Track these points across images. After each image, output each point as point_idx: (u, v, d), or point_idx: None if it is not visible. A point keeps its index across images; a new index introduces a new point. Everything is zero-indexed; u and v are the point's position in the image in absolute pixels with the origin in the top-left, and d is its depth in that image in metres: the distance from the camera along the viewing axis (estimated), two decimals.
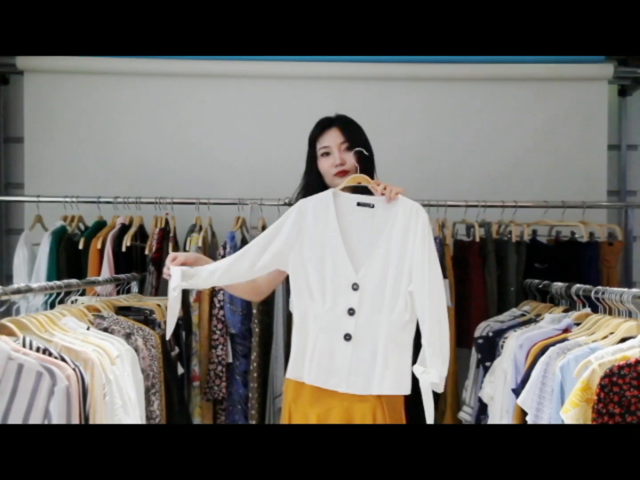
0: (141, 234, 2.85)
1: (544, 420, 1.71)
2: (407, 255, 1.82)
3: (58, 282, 2.03)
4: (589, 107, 3.26)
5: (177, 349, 2.35)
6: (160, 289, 2.68)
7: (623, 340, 1.67)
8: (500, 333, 2.22)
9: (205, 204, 2.78)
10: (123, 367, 1.78)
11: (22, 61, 3.18)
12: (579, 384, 1.51)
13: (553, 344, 1.82)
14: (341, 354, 1.81)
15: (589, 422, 1.46)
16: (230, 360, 2.63)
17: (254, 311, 2.61)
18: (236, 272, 1.85)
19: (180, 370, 2.38)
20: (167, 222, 2.78)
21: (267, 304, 2.70)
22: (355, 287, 1.82)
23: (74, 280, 2.11)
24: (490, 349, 2.22)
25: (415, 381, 1.79)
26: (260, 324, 2.63)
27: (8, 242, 3.33)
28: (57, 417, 1.40)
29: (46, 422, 1.40)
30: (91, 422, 1.55)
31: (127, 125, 3.26)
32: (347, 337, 1.81)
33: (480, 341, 2.29)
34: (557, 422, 1.60)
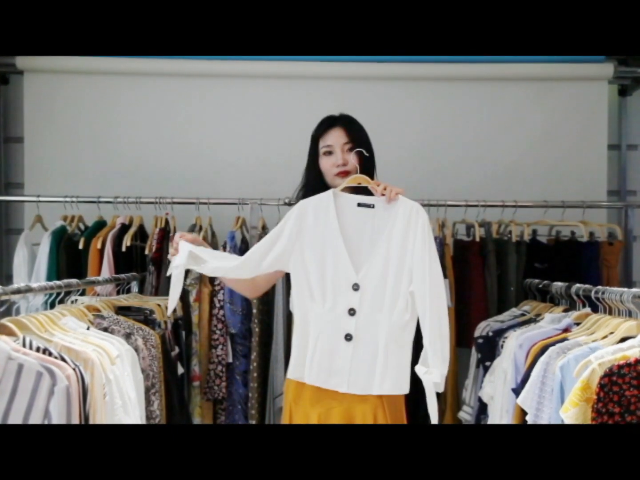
0: (141, 234, 2.85)
1: (544, 419, 1.71)
2: (408, 256, 1.82)
3: (58, 282, 2.03)
4: (589, 106, 3.26)
5: (177, 349, 2.35)
6: (160, 289, 2.68)
7: (623, 340, 1.67)
8: (500, 333, 2.22)
9: (205, 203, 2.78)
10: (123, 367, 1.78)
11: (22, 61, 3.18)
12: (578, 383, 1.51)
13: (553, 344, 1.82)
14: (342, 354, 1.81)
15: (589, 422, 1.46)
16: (230, 360, 2.63)
17: (254, 311, 2.61)
18: (239, 274, 1.86)
19: (180, 370, 2.38)
20: (167, 222, 2.78)
21: (267, 303, 2.70)
22: (355, 287, 1.82)
23: (74, 280, 2.11)
24: (490, 349, 2.22)
25: (414, 381, 1.79)
26: (260, 323, 2.63)
27: (8, 242, 3.33)
28: (57, 417, 1.40)
29: (46, 422, 1.40)
30: (91, 422, 1.55)
31: (127, 125, 3.26)
32: (348, 337, 1.81)
33: (480, 341, 2.29)
34: (557, 422, 1.60)
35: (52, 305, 2.10)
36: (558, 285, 2.22)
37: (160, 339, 2.09)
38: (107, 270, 2.66)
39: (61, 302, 2.13)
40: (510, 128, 3.26)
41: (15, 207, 3.34)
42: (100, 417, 1.60)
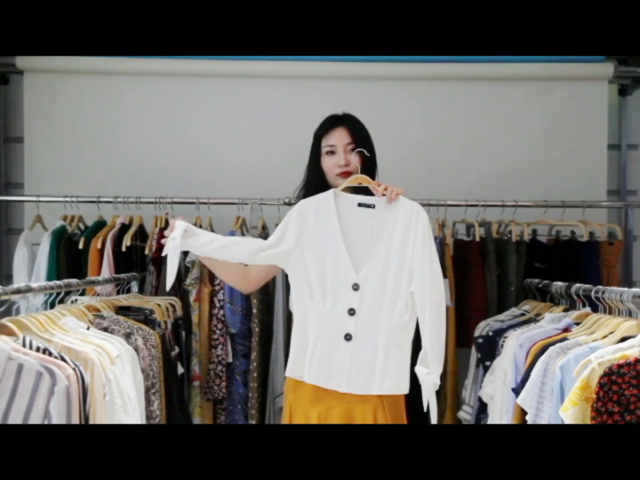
0: (141, 234, 2.85)
1: (544, 419, 1.71)
2: (408, 256, 1.82)
3: (58, 282, 2.03)
4: (589, 106, 3.26)
5: (177, 349, 2.35)
6: (160, 288, 2.68)
7: (623, 339, 1.67)
8: (500, 332, 2.22)
9: (205, 203, 2.78)
10: (123, 367, 1.78)
11: (22, 61, 3.18)
12: (578, 382, 1.51)
13: (553, 344, 1.82)
14: (341, 353, 1.81)
15: (588, 421, 1.46)
16: (230, 360, 2.63)
17: (254, 311, 2.61)
18: (233, 253, 1.84)
19: (180, 370, 2.38)
20: (167, 221, 2.77)
21: (267, 303, 2.70)
22: (355, 287, 1.82)
23: (73, 280, 2.11)
24: (490, 349, 2.22)
25: (415, 381, 1.79)
26: (260, 323, 2.63)
27: (8, 242, 3.33)
28: (57, 417, 1.40)
29: (46, 422, 1.40)
30: (91, 422, 1.55)
31: (127, 125, 3.26)
32: (348, 337, 1.81)
33: (480, 340, 2.29)
34: (557, 422, 1.60)
35: (52, 305, 2.10)
36: (558, 285, 2.22)
37: (160, 339, 2.09)
38: (107, 270, 2.66)
39: (61, 302, 2.14)
40: (510, 128, 3.26)
41: (15, 207, 3.34)
42: (100, 417, 1.60)
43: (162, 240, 1.87)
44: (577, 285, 2.09)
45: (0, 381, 1.41)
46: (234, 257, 1.84)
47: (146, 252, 2.73)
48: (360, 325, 1.82)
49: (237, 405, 2.63)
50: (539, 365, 1.78)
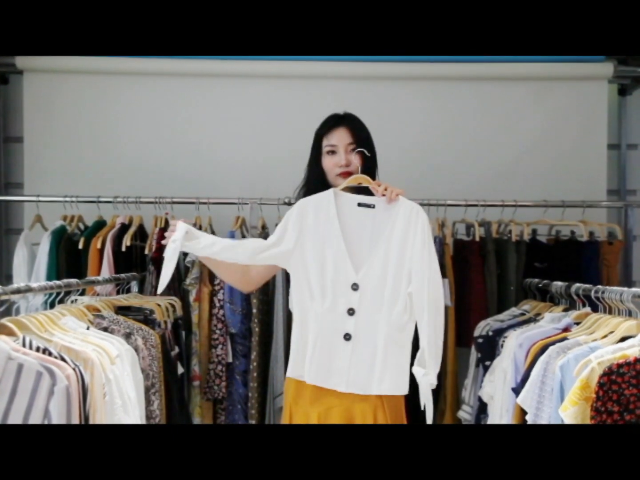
0: (141, 234, 2.85)
1: (544, 419, 1.71)
2: (407, 257, 1.82)
3: (58, 282, 2.03)
4: (589, 106, 3.26)
5: (177, 349, 2.35)
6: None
7: (623, 339, 1.67)
8: (500, 332, 2.22)
9: (205, 203, 2.78)
10: (123, 367, 1.78)
11: (21, 61, 3.18)
12: (578, 382, 1.52)
13: (553, 343, 1.82)
14: (341, 353, 1.81)
15: (588, 421, 1.46)
16: (230, 359, 2.63)
17: (254, 311, 2.61)
18: (235, 255, 1.83)
19: (180, 369, 2.38)
20: (166, 221, 2.77)
21: (267, 303, 2.70)
22: (355, 287, 1.82)
23: (73, 280, 2.11)
24: (490, 348, 2.22)
25: (413, 381, 1.79)
26: (260, 323, 2.63)
27: (8, 242, 3.33)
28: (57, 417, 1.40)
29: (46, 422, 1.40)
30: (91, 422, 1.55)
31: (127, 124, 3.26)
32: (347, 336, 1.81)
33: (480, 340, 2.29)
34: (557, 421, 1.60)
35: (52, 305, 2.10)
36: (558, 284, 2.22)
37: (160, 339, 2.09)
38: (106, 270, 2.66)
39: (61, 302, 2.14)
40: (510, 128, 3.26)
41: (15, 207, 3.34)
42: (100, 417, 1.60)
43: (163, 241, 1.87)
44: (577, 285, 2.09)
45: (0, 381, 1.41)
46: (236, 258, 1.84)
47: (146, 252, 2.73)
48: (360, 325, 1.82)
49: (237, 405, 2.63)
50: (538, 365, 1.78)
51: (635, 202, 3.23)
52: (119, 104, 3.25)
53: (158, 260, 2.69)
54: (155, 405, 2.00)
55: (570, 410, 1.50)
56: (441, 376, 2.62)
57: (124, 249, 2.68)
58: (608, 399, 1.44)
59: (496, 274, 2.70)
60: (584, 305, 2.08)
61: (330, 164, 1.99)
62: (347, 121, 2.01)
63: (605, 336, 1.76)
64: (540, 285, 2.40)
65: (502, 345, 2.13)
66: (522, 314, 2.35)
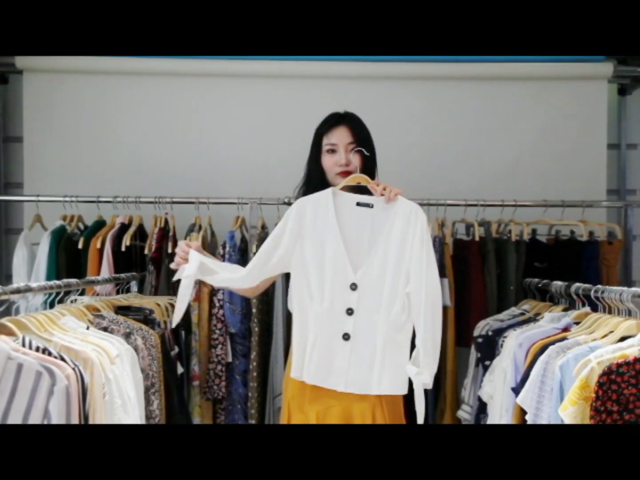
0: (141, 234, 2.85)
1: (544, 419, 1.71)
2: (406, 257, 1.82)
3: (57, 282, 2.03)
4: (589, 106, 3.26)
5: (176, 349, 2.35)
6: (160, 288, 2.68)
7: (623, 339, 1.68)
8: (499, 332, 2.22)
9: (204, 203, 2.78)
10: (122, 367, 1.78)
11: (21, 60, 3.18)
12: (577, 382, 1.52)
13: (552, 343, 1.82)
14: (340, 353, 1.81)
15: (587, 420, 1.46)
16: (229, 359, 2.63)
17: (254, 310, 2.61)
18: (247, 282, 1.85)
19: (180, 369, 2.38)
20: (166, 221, 2.78)
21: (267, 303, 2.70)
22: (353, 287, 1.82)
23: (73, 280, 2.11)
24: (489, 348, 2.22)
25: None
26: (260, 323, 2.63)
27: (7, 241, 3.33)
28: (57, 417, 1.40)
29: (46, 422, 1.40)
30: (91, 421, 1.55)
31: (127, 124, 3.25)
32: (346, 336, 1.82)
33: (479, 340, 2.29)
34: (557, 421, 1.60)
35: (52, 305, 2.09)
36: (557, 284, 2.22)
37: (160, 339, 2.09)
38: (106, 270, 2.66)
39: (61, 301, 2.13)
40: (510, 127, 3.26)
41: (15, 207, 3.34)
42: (99, 416, 1.60)
43: (172, 265, 1.88)
44: (577, 284, 2.09)
45: (0, 381, 1.41)
46: (250, 284, 1.86)
47: (146, 251, 2.73)
48: (359, 325, 1.82)
49: (237, 404, 2.63)
50: (538, 365, 1.78)
51: (635, 202, 3.23)
52: (119, 104, 3.25)
53: (158, 260, 2.70)
54: (155, 405, 2.00)
55: (569, 410, 1.50)
56: (441, 376, 2.62)
57: (123, 248, 2.68)
58: (607, 398, 1.44)
59: (496, 274, 2.70)
60: (583, 305, 2.08)
61: (330, 163, 1.99)
62: (347, 120, 2.01)
63: (604, 336, 1.76)
64: (540, 285, 2.40)
65: (501, 345, 2.13)
66: (522, 314, 2.35)
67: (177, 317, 1.81)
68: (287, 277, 1.91)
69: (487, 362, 2.22)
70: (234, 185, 3.04)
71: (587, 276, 2.61)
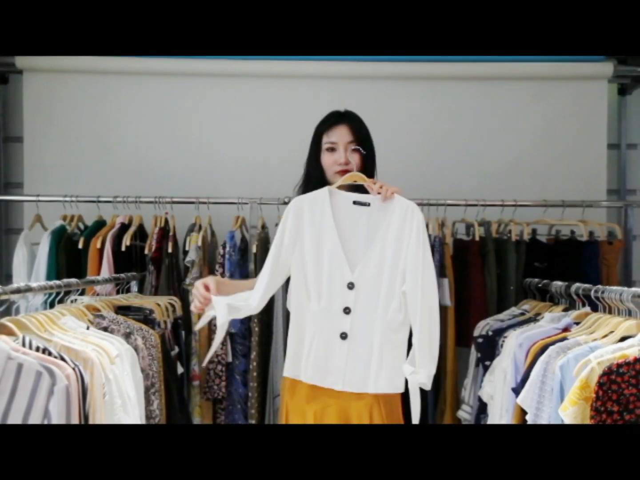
0: (141, 234, 2.85)
1: (544, 419, 1.71)
2: (402, 255, 1.82)
3: (57, 282, 2.03)
4: (589, 105, 3.26)
5: (176, 349, 2.35)
6: (160, 288, 2.68)
7: (623, 339, 1.68)
8: (499, 332, 2.22)
9: (204, 203, 2.78)
10: (123, 367, 1.78)
11: (21, 60, 3.18)
12: (577, 382, 1.52)
13: (553, 343, 1.82)
14: (337, 352, 1.82)
15: (588, 420, 1.46)
16: (229, 359, 2.63)
17: None
18: (268, 297, 1.86)
19: (180, 369, 2.38)
20: (166, 221, 2.78)
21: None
22: (350, 286, 1.82)
23: (73, 280, 2.12)
24: (489, 348, 2.22)
25: None
26: (260, 323, 2.63)
27: (7, 241, 3.33)
28: (57, 417, 1.40)
29: (46, 422, 1.40)
30: (91, 421, 1.55)
31: (127, 124, 3.26)
32: (343, 335, 1.82)
33: (479, 340, 2.29)
34: (557, 421, 1.60)
35: (52, 305, 2.10)
36: (557, 284, 2.22)
37: (160, 339, 2.09)
38: (106, 270, 2.66)
39: (61, 301, 2.14)
40: (510, 127, 3.26)
41: (15, 207, 3.34)
42: (99, 416, 1.60)
43: (192, 309, 1.87)
44: (577, 284, 2.09)
45: (0, 381, 1.41)
46: (266, 300, 1.86)
47: (146, 251, 2.73)
48: (356, 324, 1.82)
49: (237, 404, 2.63)
50: (538, 365, 1.78)
51: (635, 202, 3.23)
52: (118, 103, 3.25)
53: (158, 260, 2.70)
54: (155, 405, 2.00)
55: (570, 410, 1.50)
56: (441, 376, 2.62)
57: (123, 248, 2.68)
58: (608, 398, 1.44)
59: (496, 274, 2.70)
60: (583, 305, 2.08)
61: (330, 161, 1.98)
62: (347, 119, 2.01)
63: (605, 336, 1.76)
64: (540, 285, 2.40)
65: (501, 345, 2.13)
66: (522, 314, 2.35)
67: (212, 352, 1.88)
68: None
69: (487, 362, 2.23)
70: (234, 185, 3.04)
71: (587, 276, 2.61)
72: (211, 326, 2.64)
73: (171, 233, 2.73)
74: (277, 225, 1.94)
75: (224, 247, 2.66)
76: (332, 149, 1.98)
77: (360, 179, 1.90)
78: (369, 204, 1.86)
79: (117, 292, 2.53)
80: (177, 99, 3.26)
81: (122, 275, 2.53)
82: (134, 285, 2.62)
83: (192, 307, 1.86)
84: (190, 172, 3.20)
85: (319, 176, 2.01)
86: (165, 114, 3.25)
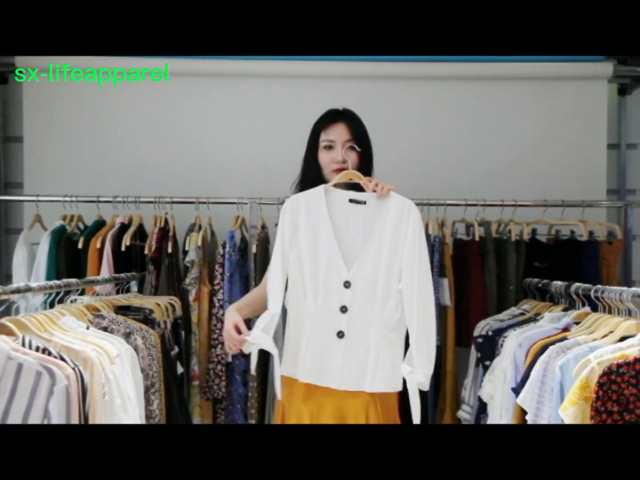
0: (140, 233, 2.85)
1: (544, 419, 1.71)
2: (399, 254, 1.82)
3: (57, 282, 2.03)
4: (589, 105, 3.26)
5: (176, 348, 2.35)
6: (160, 288, 2.68)
7: (623, 339, 1.68)
8: (499, 332, 2.22)
9: (204, 203, 2.78)
10: (122, 367, 1.78)
11: (21, 60, 3.18)
12: (577, 382, 1.52)
13: (552, 343, 1.82)
14: (334, 351, 1.82)
15: (588, 420, 1.46)
16: (229, 359, 2.63)
17: None
18: (283, 295, 1.87)
19: (180, 369, 2.38)
20: (166, 221, 2.77)
21: None
22: (347, 284, 1.82)
23: (73, 280, 2.11)
24: (489, 348, 2.22)
25: None
26: None
27: (7, 241, 3.33)
28: (57, 417, 1.40)
29: (45, 422, 1.40)
30: (91, 421, 1.55)
31: (127, 124, 3.25)
32: (340, 334, 1.82)
33: (479, 340, 2.29)
34: (557, 421, 1.60)
35: (52, 305, 2.10)
36: (557, 284, 2.22)
37: (160, 339, 2.09)
38: (106, 270, 2.66)
39: (60, 301, 2.14)
40: (510, 127, 3.26)
41: (15, 207, 3.33)
42: (99, 416, 1.60)
43: (228, 351, 1.90)
44: (577, 284, 2.09)
45: (0, 381, 1.41)
46: (284, 291, 1.87)
47: (145, 251, 2.72)
48: (352, 323, 1.82)
49: (237, 404, 2.63)
50: (538, 365, 1.78)
51: (635, 202, 3.23)
52: (118, 103, 3.25)
53: (157, 260, 2.70)
54: (155, 405, 2.00)
55: (570, 410, 1.50)
56: (441, 376, 2.62)
57: (123, 248, 2.68)
58: (608, 398, 1.44)
59: (496, 274, 2.70)
60: (583, 305, 2.08)
61: (327, 159, 1.98)
62: (345, 117, 2.01)
63: (604, 336, 1.76)
64: (539, 284, 2.40)
65: (501, 345, 2.13)
66: (522, 314, 2.35)
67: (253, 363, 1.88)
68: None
69: (487, 362, 2.22)
70: (234, 185, 3.04)
71: (587, 276, 2.61)
72: (211, 326, 2.64)
73: (171, 233, 2.73)
74: (277, 225, 1.94)
75: (223, 247, 2.66)
76: (329, 147, 1.98)
77: (356, 176, 1.90)
78: (365, 202, 1.86)
79: (117, 292, 2.53)
80: (177, 98, 3.26)
81: (122, 275, 2.53)
82: (133, 285, 2.62)
83: (228, 350, 1.87)
84: (190, 172, 3.20)
85: (316, 174, 2.01)
86: (165, 114, 3.25)
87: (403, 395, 1.85)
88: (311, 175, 2.01)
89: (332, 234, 1.83)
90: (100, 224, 2.85)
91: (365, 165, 2.00)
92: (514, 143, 3.25)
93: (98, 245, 2.69)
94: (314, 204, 1.86)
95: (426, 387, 1.77)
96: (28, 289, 1.84)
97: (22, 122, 3.25)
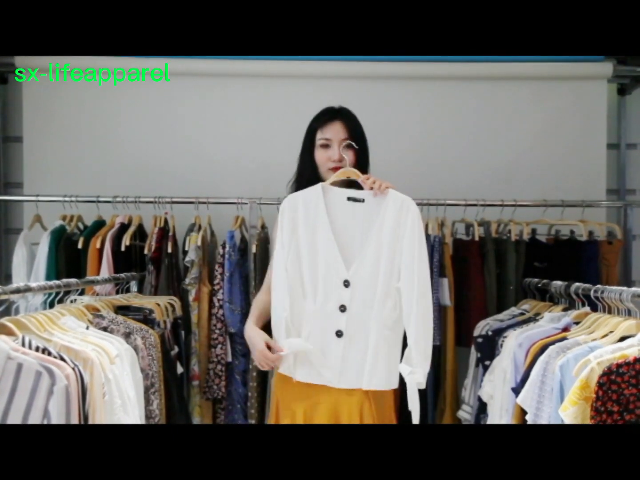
0: (140, 233, 2.85)
1: (544, 419, 1.71)
2: (397, 252, 1.81)
3: (57, 282, 2.03)
4: (588, 105, 3.26)
5: (176, 348, 2.35)
6: (160, 288, 2.68)
7: (622, 339, 1.68)
8: (499, 332, 2.22)
9: (204, 203, 2.78)
10: (122, 367, 1.78)
11: (21, 60, 3.18)
12: (577, 382, 1.52)
13: (552, 343, 1.82)
14: (333, 350, 1.82)
15: (588, 420, 1.46)
16: (229, 359, 2.63)
17: None
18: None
19: (180, 369, 2.38)
20: (166, 221, 2.77)
21: None
22: (346, 283, 1.82)
23: (73, 280, 2.11)
24: (489, 348, 2.22)
25: None
26: None
27: (7, 241, 3.33)
28: (57, 417, 1.40)
29: (45, 422, 1.40)
30: (90, 421, 1.55)
31: (127, 124, 3.25)
32: (339, 333, 1.82)
33: (479, 340, 2.29)
34: (557, 421, 1.60)
35: (52, 305, 2.09)
36: (557, 284, 2.22)
37: (160, 339, 2.09)
38: (106, 270, 2.66)
39: (60, 301, 2.13)
40: (510, 127, 3.26)
41: (15, 207, 3.33)
42: (99, 416, 1.60)
43: (261, 367, 1.90)
44: (577, 284, 2.09)
45: (0, 381, 1.41)
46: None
47: (145, 251, 2.72)
48: (351, 322, 1.82)
49: (237, 404, 2.63)
50: (538, 365, 1.78)
51: (634, 202, 3.23)
52: (118, 103, 3.25)
53: (157, 260, 2.69)
54: (155, 405, 2.00)
55: (570, 410, 1.50)
56: (441, 376, 2.62)
57: (123, 248, 2.68)
58: (608, 398, 1.44)
59: (496, 274, 2.70)
60: (583, 305, 2.08)
61: (323, 158, 1.98)
62: (342, 116, 2.01)
63: (604, 336, 1.76)
64: (539, 284, 2.40)
65: (501, 345, 2.13)
66: (522, 314, 2.35)
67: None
68: None
69: (487, 362, 2.23)
70: (234, 185, 3.04)
71: (586, 276, 2.61)
72: (211, 326, 2.64)
73: (171, 233, 2.72)
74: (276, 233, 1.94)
75: (223, 247, 2.66)
76: (326, 146, 1.98)
77: (354, 174, 1.90)
78: (363, 200, 1.86)
79: (117, 292, 2.53)
80: (177, 99, 3.25)
81: (122, 275, 2.53)
82: (133, 285, 2.62)
83: (261, 367, 1.89)
84: (190, 172, 3.20)
85: (312, 173, 2.01)
86: (165, 114, 3.25)
87: (402, 394, 1.85)
88: (307, 174, 2.01)
89: (330, 233, 1.83)
90: (100, 224, 2.85)
91: (362, 163, 2.00)
92: (514, 143, 3.25)
93: (98, 245, 2.69)
94: (312, 203, 1.86)
95: (423, 385, 1.77)
96: (28, 289, 1.84)
97: (22, 122, 3.24)
